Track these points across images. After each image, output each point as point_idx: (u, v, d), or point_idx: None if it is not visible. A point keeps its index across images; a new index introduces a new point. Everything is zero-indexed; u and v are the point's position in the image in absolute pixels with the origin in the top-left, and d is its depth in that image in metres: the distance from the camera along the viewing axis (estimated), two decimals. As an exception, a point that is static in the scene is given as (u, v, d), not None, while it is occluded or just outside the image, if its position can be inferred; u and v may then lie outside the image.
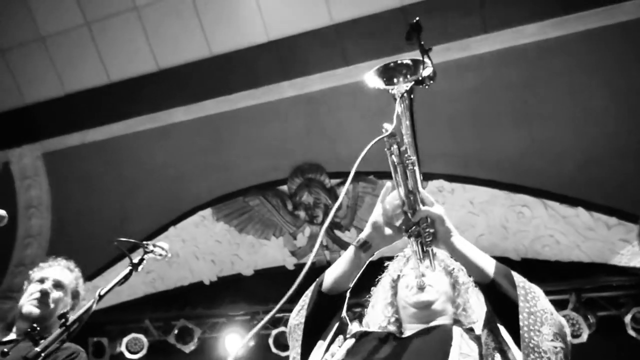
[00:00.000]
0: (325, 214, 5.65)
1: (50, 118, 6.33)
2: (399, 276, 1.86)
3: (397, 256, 1.95)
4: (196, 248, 6.15)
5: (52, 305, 2.51)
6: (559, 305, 4.47)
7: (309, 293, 1.69)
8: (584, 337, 4.30)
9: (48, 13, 5.88)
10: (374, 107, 5.37)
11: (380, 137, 1.48)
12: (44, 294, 2.50)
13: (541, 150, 4.65)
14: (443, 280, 1.80)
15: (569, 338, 1.50)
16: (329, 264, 5.71)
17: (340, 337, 1.67)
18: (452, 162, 4.92)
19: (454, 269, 1.83)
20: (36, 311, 2.47)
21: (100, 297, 1.75)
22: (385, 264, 1.94)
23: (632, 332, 4.22)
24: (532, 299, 1.46)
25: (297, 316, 1.68)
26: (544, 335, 1.41)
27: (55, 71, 6.17)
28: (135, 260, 1.92)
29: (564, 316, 4.41)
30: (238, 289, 5.96)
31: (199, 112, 5.83)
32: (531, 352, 1.40)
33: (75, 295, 2.66)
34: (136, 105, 6.00)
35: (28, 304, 2.50)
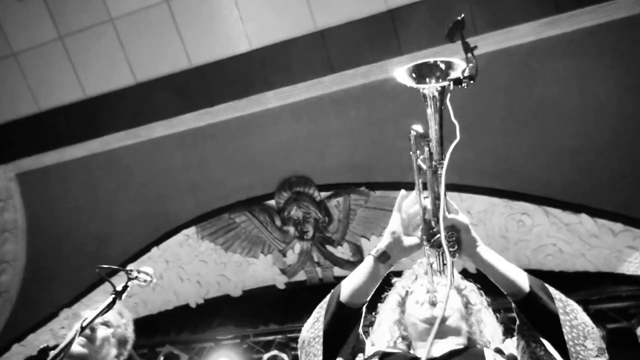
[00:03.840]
0: (316, 229, 5.41)
1: (24, 137, 6.10)
2: (407, 293, 1.78)
3: (404, 273, 1.86)
4: (181, 269, 5.87)
5: (97, 343, 2.33)
6: (566, 318, 4.25)
7: (324, 305, 1.61)
8: (594, 352, 4.07)
9: (19, 28, 5.66)
10: (362, 116, 5.20)
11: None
12: (92, 330, 2.32)
13: (539, 155, 4.47)
14: (455, 298, 1.73)
15: (606, 354, 1.46)
16: (321, 281, 5.51)
17: (360, 356, 1.60)
18: (447, 170, 4.72)
19: (465, 287, 1.78)
20: (80, 350, 2.26)
21: (82, 328, 1.71)
22: (393, 280, 1.84)
23: (644, 345, 4.00)
24: (572, 312, 1.43)
25: (312, 329, 1.58)
26: (589, 350, 1.39)
27: (28, 88, 5.94)
28: (119, 288, 1.84)
29: (572, 330, 4.18)
30: (226, 311, 5.69)
31: (179, 126, 5.61)
32: None
33: (122, 342, 2.48)
34: (114, 120, 5.78)
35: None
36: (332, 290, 1.64)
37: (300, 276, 5.51)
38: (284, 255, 5.57)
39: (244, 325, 5.57)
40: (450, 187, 4.73)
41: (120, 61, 5.57)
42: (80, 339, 2.23)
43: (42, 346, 1.83)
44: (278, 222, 5.54)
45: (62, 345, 1.63)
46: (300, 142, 5.40)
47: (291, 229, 5.49)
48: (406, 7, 4.75)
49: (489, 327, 1.72)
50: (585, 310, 4.15)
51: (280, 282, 5.59)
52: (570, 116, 4.37)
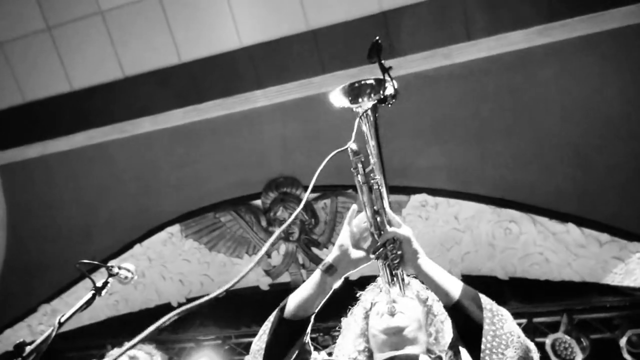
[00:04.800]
0: (302, 231, 5.35)
1: (9, 128, 5.98)
2: (371, 305, 1.82)
3: (370, 286, 1.90)
4: (163, 267, 5.77)
5: None
6: (551, 328, 4.23)
7: (271, 317, 1.65)
8: (578, 362, 4.05)
9: (7, 18, 5.56)
10: (352, 118, 5.15)
11: (337, 151, 1.51)
12: None
13: (529, 163, 4.44)
14: (416, 308, 1.76)
15: None
16: (305, 283, 5.44)
17: None
18: (436, 175, 4.69)
19: (427, 298, 1.80)
20: None
21: (60, 324, 1.67)
22: (358, 294, 1.90)
23: (628, 357, 3.98)
24: (499, 322, 1.44)
25: (259, 341, 1.63)
26: (507, 357, 1.39)
27: (14, 78, 5.83)
28: (99, 284, 1.81)
29: (556, 339, 4.18)
30: (208, 312, 5.59)
31: (166, 122, 5.52)
32: None
33: None
34: (100, 114, 5.70)
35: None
36: (280, 303, 1.67)
37: (285, 278, 5.45)
38: (269, 256, 5.50)
39: (226, 327, 5.49)
40: (438, 192, 4.70)
41: (109, 54, 5.48)
42: None
43: (18, 342, 1.71)
44: (264, 223, 5.47)
45: (38, 342, 1.59)
46: (289, 143, 5.34)
47: (277, 230, 5.43)
48: (399, 10, 4.72)
49: (448, 338, 1.73)
50: (570, 320, 4.14)
51: (264, 283, 5.53)
52: (560, 125, 4.36)
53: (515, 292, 4.16)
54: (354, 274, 1.66)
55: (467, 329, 1.47)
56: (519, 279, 4.45)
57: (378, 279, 1.85)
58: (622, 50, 4.33)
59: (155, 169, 5.70)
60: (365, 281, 1.98)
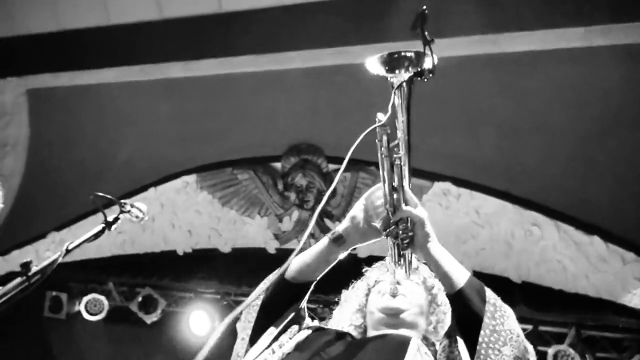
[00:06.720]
0: (318, 200, 5.26)
1: (41, 53, 5.92)
2: (375, 282, 1.78)
3: (377, 264, 1.86)
4: (174, 215, 5.75)
5: None
6: (556, 338, 4.10)
7: (271, 276, 1.63)
8: (577, 377, 3.93)
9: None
10: (388, 92, 4.96)
11: (372, 127, 1.42)
12: None
13: (565, 168, 4.23)
14: (420, 294, 1.71)
15: None
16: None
17: (294, 327, 1.61)
18: (464, 165, 4.52)
19: (433, 286, 1.74)
20: None
21: (68, 251, 1.66)
22: (364, 269, 1.86)
23: (631, 381, 3.85)
24: (500, 317, 1.40)
25: (256, 296, 1.60)
26: (503, 355, 1.35)
27: (53, 4, 5.74)
28: (110, 219, 1.81)
29: (559, 351, 4.06)
30: (212, 265, 5.59)
31: (198, 70, 5.41)
32: None
33: None
34: (134, 53, 5.59)
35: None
36: (284, 264, 1.63)
37: (293, 244, 5.38)
38: (280, 220, 5.44)
39: (226, 282, 5.48)
40: (463, 183, 4.52)
41: (150, -7, 5.36)
42: None
43: (24, 260, 1.70)
44: (280, 187, 5.39)
45: (44, 264, 1.59)
46: (317, 110, 5.20)
47: (292, 196, 5.34)
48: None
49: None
50: (577, 334, 3.99)
51: (272, 246, 5.47)
52: (609, 134, 4.11)
53: (526, 297, 4.03)
54: (363, 251, 1.57)
55: (467, 320, 1.42)
56: (531, 283, 4.31)
57: (387, 258, 1.79)
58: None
59: (180, 115, 5.63)
60: (374, 260, 1.92)
